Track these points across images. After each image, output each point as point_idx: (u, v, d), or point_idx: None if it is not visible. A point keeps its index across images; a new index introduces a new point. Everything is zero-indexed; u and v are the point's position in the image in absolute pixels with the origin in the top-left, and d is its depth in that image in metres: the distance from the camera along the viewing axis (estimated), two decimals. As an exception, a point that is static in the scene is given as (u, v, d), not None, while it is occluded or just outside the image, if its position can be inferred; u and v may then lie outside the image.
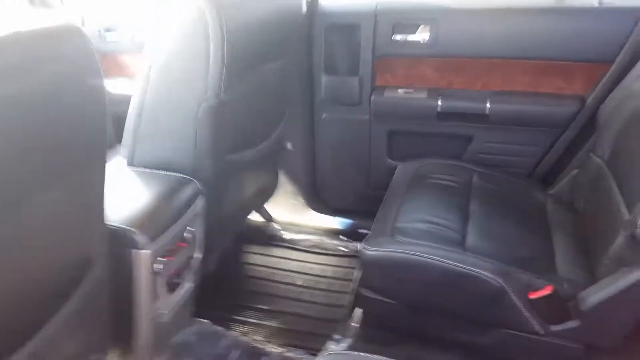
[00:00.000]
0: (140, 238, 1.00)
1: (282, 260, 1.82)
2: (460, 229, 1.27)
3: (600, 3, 1.47)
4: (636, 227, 0.97)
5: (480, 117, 1.62)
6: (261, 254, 1.85)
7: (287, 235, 1.92)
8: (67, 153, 0.76)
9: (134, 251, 1.00)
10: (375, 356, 0.85)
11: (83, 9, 1.89)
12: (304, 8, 1.66)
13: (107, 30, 1.87)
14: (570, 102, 1.54)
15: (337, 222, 1.97)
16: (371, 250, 1.20)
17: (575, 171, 1.48)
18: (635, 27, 1.42)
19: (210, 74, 1.11)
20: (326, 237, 1.90)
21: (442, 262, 1.12)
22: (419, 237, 1.22)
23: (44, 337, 0.80)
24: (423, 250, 1.16)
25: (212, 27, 1.06)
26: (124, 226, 1.00)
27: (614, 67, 1.46)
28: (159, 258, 1.05)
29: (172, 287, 1.13)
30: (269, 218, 1.98)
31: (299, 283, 1.70)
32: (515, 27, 1.57)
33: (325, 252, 1.84)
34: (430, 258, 1.14)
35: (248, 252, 1.85)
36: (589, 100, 1.52)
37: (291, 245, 1.89)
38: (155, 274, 1.05)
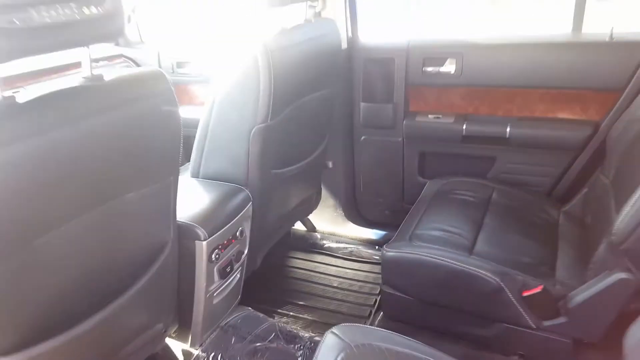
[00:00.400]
0: (201, 232, 1.27)
1: (322, 265, 2.05)
2: (471, 237, 1.46)
3: (611, 37, 1.62)
4: (612, 235, 1.12)
5: (501, 140, 1.79)
6: (303, 259, 2.09)
7: (327, 243, 2.16)
8: (149, 163, 1.04)
9: (196, 242, 1.27)
10: (378, 329, 1.06)
11: (159, 47, 2.27)
12: (344, 44, 1.93)
13: (179, 65, 2.23)
14: (585, 127, 1.68)
15: (372, 234, 2.18)
16: (390, 252, 1.41)
17: (585, 190, 1.62)
18: None
19: (261, 104, 1.38)
20: (362, 246, 2.12)
21: (448, 262, 1.32)
22: (432, 242, 1.42)
23: (125, 300, 1.08)
24: (433, 252, 1.36)
25: (262, 69, 1.33)
26: (190, 222, 1.28)
27: (624, 95, 1.59)
28: (214, 249, 1.32)
29: (223, 275, 1.39)
30: (311, 228, 2.23)
31: (334, 285, 1.92)
32: (534, 59, 1.74)
33: (360, 260, 2.05)
34: (438, 259, 1.33)
35: (292, 257, 2.10)
36: (602, 125, 1.65)
37: (330, 253, 2.11)
38: (211, 262, 1.32)
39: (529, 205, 1.67)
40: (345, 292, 1.87)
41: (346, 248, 2.12)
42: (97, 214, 0.94)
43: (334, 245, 2.14)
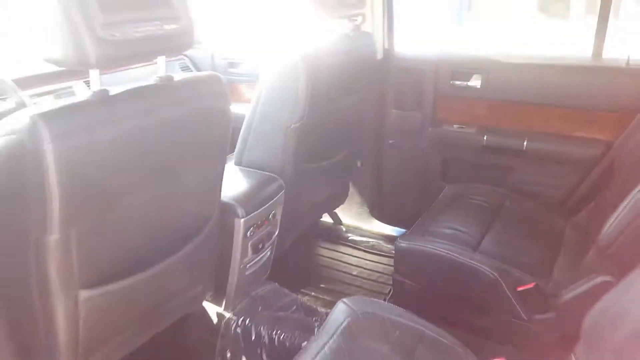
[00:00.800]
0: (240, 211, 1.49)
1: (345, 255, 2.25)
2: (478, 236, 1.61)
3: (627, 64, 1.73)
4: (599, 241, 1.26)
5: (518, 152, 1.93)
6: (329, 249, 2.29)
7: (351, 236, 2.35)
8: (205, 148, 1.26)
9: (235, 219, 1.49)
10: (383, 302, 1.25)
11: (213, 47, 2.52)
12: (380, 55, 2.11)
13: (230, 65, 2.47)
14: (598, 145, 1.80)
15: (394, 230, 2.35)
16: (402, 243, 1.59)
17: (593, 203, 1.74)
18: None
19: (298, 105, 1.58)
20: (383, 241, 2.30)
21: (452, 255, 1.48)
22: (441, 237, 1.59)
23: (175, 259, 1.29)
24: (440, 246, 1.52)
25: (301, 75, 1.53)
26: (232, 202, 1.49)
27: (637, 118, 1.70)
28: (250, 227, 1.53)
29: (256, 250, 1.60)
30: (338, 221, 2.42)
31: (354, 273, 2.11)
32: (554, 79, 1.87)
33: (380, 254, 2.23)
34: (443, 252, 1.50)
35: (319, 246, 2.30)
36: (615, 145, 1.76)
37: (353, 245, 2.31)
38: (246, 237, 1.53)
39: (539, 214, 1.80)
40: (363, 280, 2.06)
41: (368, 242, 2.31)
42: (161, 186, 1.16)
43: (357, 238, 2.33)
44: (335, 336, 1.15)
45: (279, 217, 1.69)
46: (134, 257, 1.19)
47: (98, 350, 1.22)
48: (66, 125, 0.92)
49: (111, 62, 0.95)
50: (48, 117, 0.89)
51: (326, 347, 1.13)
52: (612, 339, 0.85)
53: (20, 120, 0.90)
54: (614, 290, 0.91)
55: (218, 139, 1.29)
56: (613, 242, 1.22)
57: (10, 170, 0.94)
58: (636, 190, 1.21)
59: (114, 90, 1.02)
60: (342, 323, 1.18)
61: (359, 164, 2.24)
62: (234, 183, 1.60)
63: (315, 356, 1.11)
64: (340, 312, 1.22)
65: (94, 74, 0.98)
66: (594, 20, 1.82)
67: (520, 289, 1.39)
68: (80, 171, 0.96)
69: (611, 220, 1.23)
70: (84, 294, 1.09)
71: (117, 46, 0.94)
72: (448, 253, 1.50)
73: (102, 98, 0.99)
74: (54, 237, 0.97)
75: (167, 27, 0.99)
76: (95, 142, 0.97)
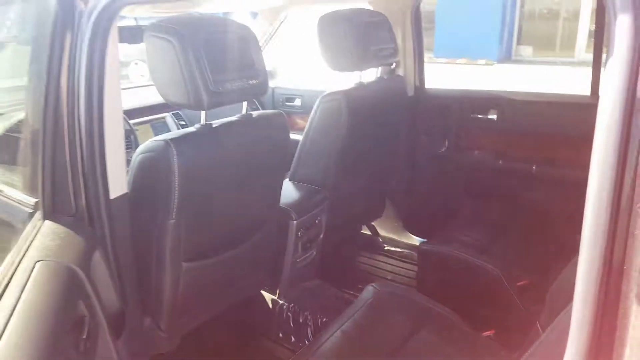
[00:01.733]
0: (294, 215, 1.90)
1: (381, 263, 2.62)
2: (489, 242, 1.95)
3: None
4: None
5: (528, 175, 2.26)
6: (367, 257, 2.67)
7: (387, 246, 2.72)
8: (270, 166, 1.69)
9: (290, 221, 1.91)
10: (404, 286, 1.62)
11: (273, 85, 3.01)
12: (410, 92, 2.51)
13: (287, 99, 2.95)
14: None
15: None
16: (424, 247, 1.96)
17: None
18: None
19: (340, 134, 1.99)
20: (415, 251, 2.64)
21: (464, 256, 1.83)
22: (457, 242, 1.94)
23: (244, 247, 1.70)
24: (454, 249, 1.88)
25: (343, 109, 1.95)
26: (287, 208, 1.91)
27: None
28: (301, 229, 1.95)
29: (305, 248, 2.01)
30: (376, 233, 2.80)
31: (388, 278, 2.48)
32: (558, 113, 2.20)
33: (411, 262, 2.58)
34: (457, 253, 1.85)
35: (359, 255, 2.68)
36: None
37: (389, 254, 2.67)
38: (298, 237, 1.95)
39: (545, 226, 2.11)
40: (396, 284, 2.41)
41: (402, 252, 2.67)
42: (240, 191, 1.59)
43: (392, 248, 2.70)
44: (363, 308, 1.54)
45: (323, 223, 2.10)
46: (219, 241, 1.62)
47: (187, 313, 1.64)
48: (186, 146, 1.36)
49: (214, 106, 1.39)
50: (175, 141, 1.34)
51: (355, 315, 1.51)
52: (560, 303, 1.18)
53: (156, 143, 1.36)
54: (566, 267, 1.25)
55: (279, 159, 1.72)
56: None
57: (148, 176, 1.40)
58: None
59: (214, 124, 1.48)
60: (369, 299, 1.57)
61: (393, 183, 2.62)
62: (289, 193, 2.03)
63: (347, 320, 1.49)
64: (369, 291, 1.60)
65: (203, 114, 1.43)
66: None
67: (519, 284, 1.72)
68: (192, 177, 1.39)
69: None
70: (185, 265, 1.50)
71: (220, 95, 1.38)
72: (460, 254, 1.85)
73: (208, 129, 1.45)
74: (171, 221, 1.40)
75: (251, 82, 1.44)
76: (202, 159, 1.41)
